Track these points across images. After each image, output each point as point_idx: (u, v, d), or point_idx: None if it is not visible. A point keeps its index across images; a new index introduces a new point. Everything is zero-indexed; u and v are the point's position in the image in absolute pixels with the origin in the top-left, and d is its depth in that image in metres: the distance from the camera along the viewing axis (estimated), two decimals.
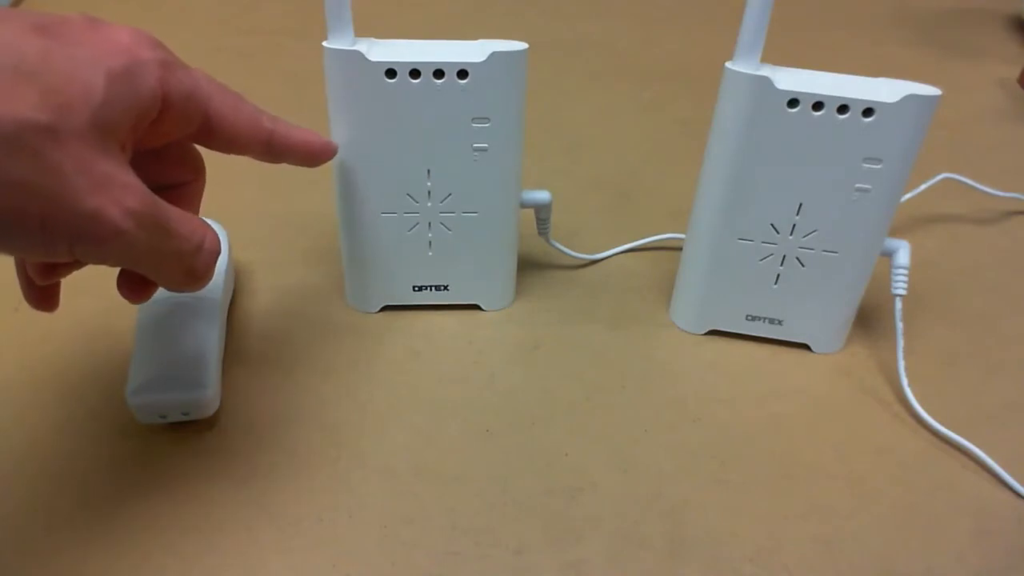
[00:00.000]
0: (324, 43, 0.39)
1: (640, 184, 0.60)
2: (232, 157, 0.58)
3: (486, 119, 0.41)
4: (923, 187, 0.57)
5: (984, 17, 0.85)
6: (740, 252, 0.44)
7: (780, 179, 0.41)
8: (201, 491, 0.39)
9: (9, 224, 0.26)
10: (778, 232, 0.43)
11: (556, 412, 0.43)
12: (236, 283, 0.49)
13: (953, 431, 0.42)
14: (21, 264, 0.34)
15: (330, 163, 0.43)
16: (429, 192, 0.44)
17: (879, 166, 0.40)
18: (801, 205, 0.42)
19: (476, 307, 0.49)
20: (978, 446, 0.42)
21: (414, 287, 0.48)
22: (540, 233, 0.50)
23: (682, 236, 0.52)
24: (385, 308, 0.49)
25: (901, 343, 0.44)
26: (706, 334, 0.48)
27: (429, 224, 0.45)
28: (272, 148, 0.36)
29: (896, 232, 0.55)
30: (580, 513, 0.39)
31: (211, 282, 0.44)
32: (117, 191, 0.27)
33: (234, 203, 0.55)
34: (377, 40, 0.41)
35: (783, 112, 0.39)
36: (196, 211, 0.38)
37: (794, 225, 0.43)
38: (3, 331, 0.46)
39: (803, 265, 0.44)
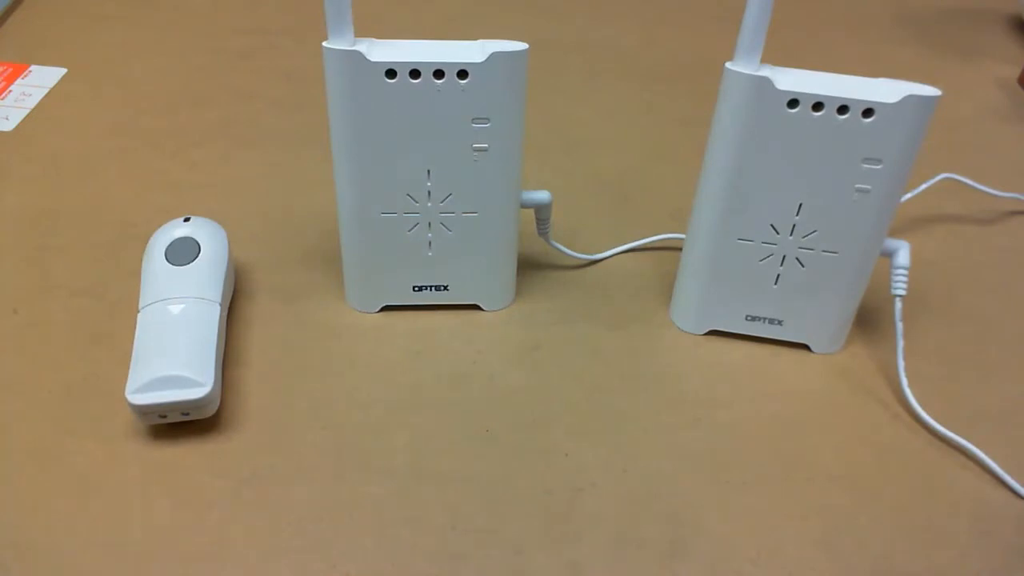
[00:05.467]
0: (324, 43, 0.39)
1: (640, 184, 0.60)
2: (234, 158, 0.58)
3: (486, 119, 0.41)
4: (923, 187, 0.57)
5: (984, 17, 0.85)
6: (740, 252, 0.44)
7: (780, 179, 0.41)
8: (201, 491, 0.39)
9: None
10: (778, 232, 0.43)
11: (556, 412, 0.43)
12: (236, 283, 0.49)
13: (953, 431, 0.42)
14: None
15: (330, 163, 0.43)
16: (429, 192, 0.44)
17: (879, 166, 0.40)
18: (801, 205, 0.42)
19: (476, 307, 0.49)
20: (978, 446, 0.42)
21: (414, 287, 0.48)
22: (540, 233, 0.50)
23: (682, 236, 0.52)
24: (385, 308, 0.49)
25: (901, 343, 0.44)
26: (706, 334, 0.48)
27: (429, 224, 0.45)
28: None
29: (896, 232, 0.55)
30: (580, 513, 0.39)
31: (211, 282, 0.44)
32: None
33: (234, 203, 0.55)
34: (377, 40, 0.41)
35: (783, 112, 0.39)
36: None
37: (794, 225, 0.43)
38: (3, 332, 0.46)
39: (803, 265, 0.44)
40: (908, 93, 0.38)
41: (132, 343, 0.41)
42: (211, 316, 0.43)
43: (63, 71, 0.68)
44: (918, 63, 0.76)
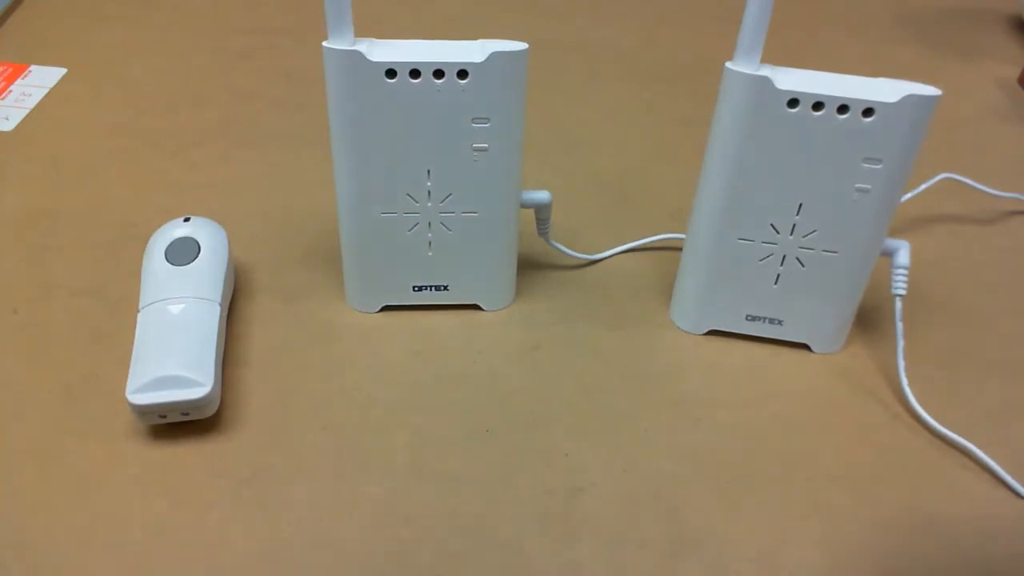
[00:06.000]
0: (324, 43, 0.39)
1: (640, 184, 0.60)
2: (234, 158, 0.58)
3: (486, 119, 0.41)
4: (923, 187, 0.57)
5: (984, 17, 0.85)
6: (740, 252, 0.44)
7: (780, 179, 0.41)
8: (201, 491, 0.39)
9: None
10: (778, 232, 0.43)
11: (556, 412, 0.43)
12: (236, 283, 0.49)
13: (953, 431, 0.42)
14: None
15: (330, 163, 0.43)
16: (429, 192, 0.44)
17: (879, 166, 0.40)
18: (801, 205, 0.42)
19: (476, 307, 0.49)
20: (978, 446, 0.42)
21: (414, 287, 0.48)
22: (540, 233, 0.50)
23: (682, 236, 0.52)
24: (385, 308, 0.49)
25: (901, 343, 0.44)
26: (706, 334, 0.48)
27: (429, 224, 0.45)
28: None
29: (896, 232, 0.55)
30: (580, 513, 0.39)
31: (211, 282, 0.44)
32: None
33: (234, 203, 0.55)
34: (377, 40, 0.41)
35: (783, 112, 0.39)
36: None
37: (794, 225, 0.43)
38: (3, 332, 0.46)
39: (803, 265, 0.44)
40: (908, 93, 0.38)
41: (132, 343, 0.41)
42: (211, 316, 0.43)
43: (63, 71, 0.68)
44: (918, 63, 0.76)
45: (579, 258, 0.52)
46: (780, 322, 0.47)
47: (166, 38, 0.74)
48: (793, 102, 0.39)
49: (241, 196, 0.56)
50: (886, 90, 0.39)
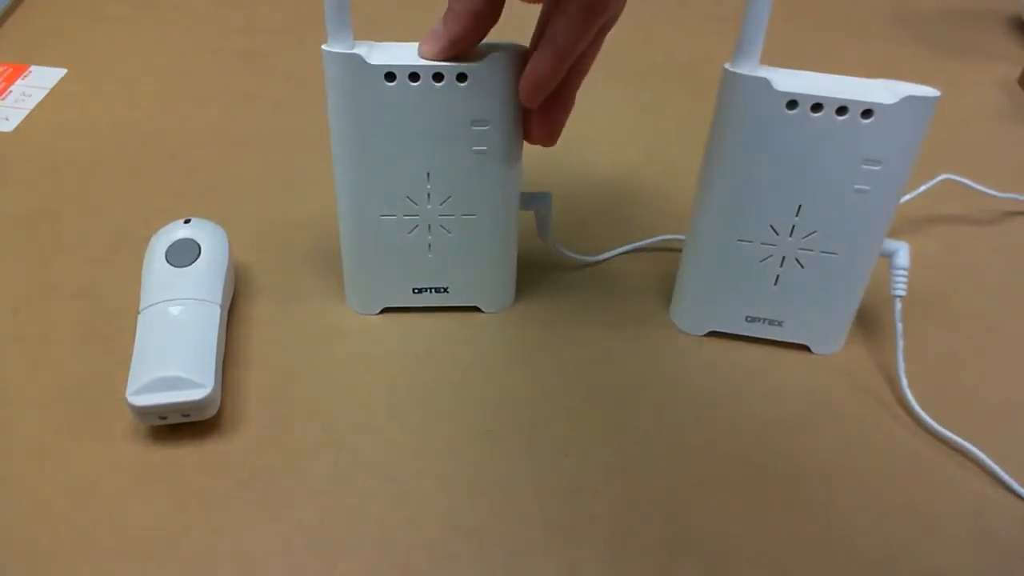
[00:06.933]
0: (323, 46, 0.39)
1: (640, 184, 0.60)
2: (235, 159, 0.58)
3: (485, 122, 0.41)
4: (923, 188, 0.57)
5: (984, 17, 0.85)
6: (740, 253, 0.44)
7: (779, 180, 0.41)
8: (201, 492, 0.39)
9: None
10: (777, 233, 0.43)
11: (556, 412, 0.44)
12: (236, 285, 0.49)
13: (953, 431, 0.42)
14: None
15: (330, 165, 0.43)
16: (429, 195, 0.44)
17: (878, 167, 0.40)
18: (800, 206, 0.42)
19: (476, 309, 0.49)
20: (978, 446, 0.42)
21: (414, 289, 0.48)
22: (540, 234, 0.50)
23: (682, 237, 0.52)
24: (385, 310, 0.49)
25: (901, 344, 0.44)
26: (706, 335, 0.48)
27: (429, 226, 0.45)
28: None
29: (896, 233, 0.55)
30: (580, 513, 0.39)
31: (212, 284, 0.44)
32: None
33: (234, 205, 0.55)
34: (376, 43, 0.41)
35: (782, 113, 0.39)
36: None
37: (793, 226, 0.43)
38: (3, 332, 0.46)
39: (802, 266, 0.44)
40: (907, 94, 0.38)
41: (132, 344, 0.41)
42: (211, 317, 0.43)
43: (63, 71, 0.68)
44: (918, 63, 0.76)
45: (579, 259, 0.52)
46: (780, 323, 0.47)
47: (166, 38, 0.74)
48: (792, 103, 0.39)
49: (241, 197, 0.56)
50: (885, 91, 0.39)
